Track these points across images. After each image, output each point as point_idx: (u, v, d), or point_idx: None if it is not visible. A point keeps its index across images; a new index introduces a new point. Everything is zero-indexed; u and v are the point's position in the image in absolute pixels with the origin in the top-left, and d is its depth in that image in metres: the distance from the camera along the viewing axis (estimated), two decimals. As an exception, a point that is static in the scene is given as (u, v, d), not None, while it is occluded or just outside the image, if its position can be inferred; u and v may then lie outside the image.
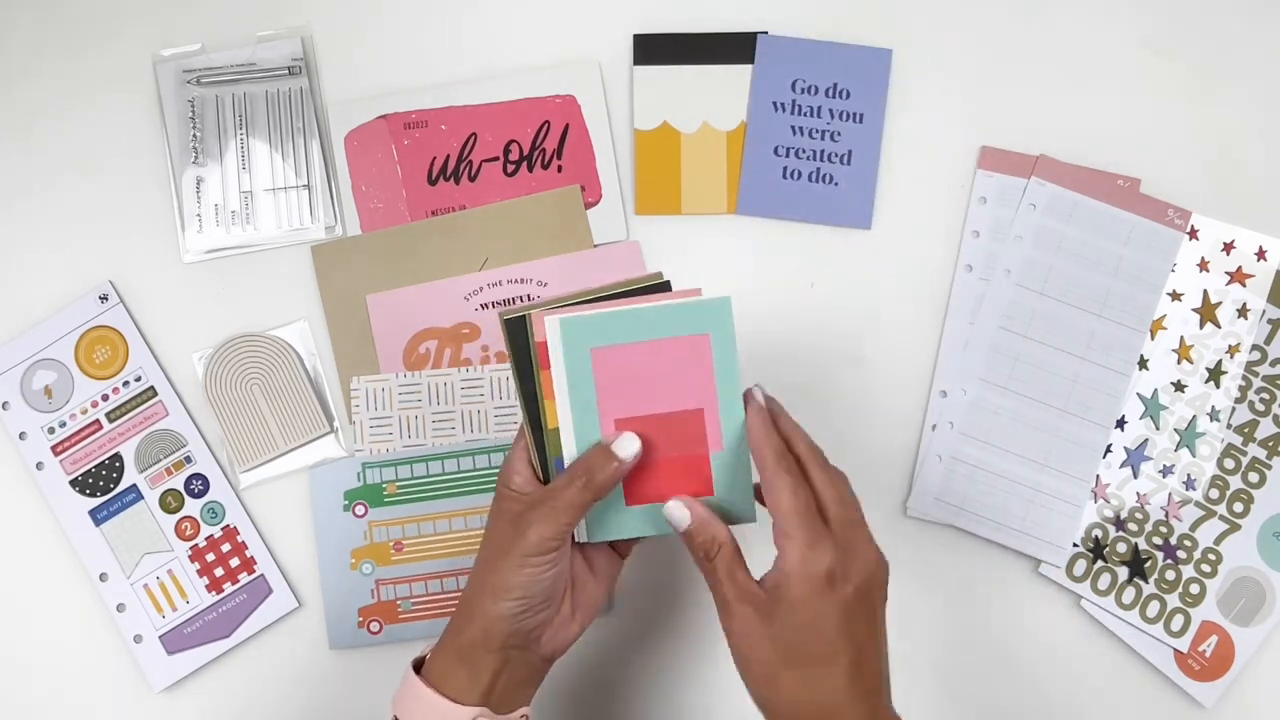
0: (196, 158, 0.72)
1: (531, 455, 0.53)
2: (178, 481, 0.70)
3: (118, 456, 0.70)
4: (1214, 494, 0.70)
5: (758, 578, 0.50)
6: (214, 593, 0.69)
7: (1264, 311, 0.72)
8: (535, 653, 0.54)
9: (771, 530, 0.49)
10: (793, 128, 0.73)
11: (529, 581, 0.50)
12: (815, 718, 0.48)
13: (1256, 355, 0.71)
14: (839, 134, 0.73)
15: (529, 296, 0.72)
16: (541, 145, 0.73)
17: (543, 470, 0.53)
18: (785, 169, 0.73)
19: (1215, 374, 0.71)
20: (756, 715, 0.51)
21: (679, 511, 0.51)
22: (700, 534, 0.50)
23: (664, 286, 0.52)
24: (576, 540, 0.54)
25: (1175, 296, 0.72)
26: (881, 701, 0.49)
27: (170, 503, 0.70)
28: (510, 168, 0.73)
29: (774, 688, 0.48)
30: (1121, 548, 0.70)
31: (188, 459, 0.70)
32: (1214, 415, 0.71)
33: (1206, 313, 0.72)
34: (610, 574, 0.57)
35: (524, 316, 0.52)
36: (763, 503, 0.51)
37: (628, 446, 0.51)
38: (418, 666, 0.53)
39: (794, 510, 0.48)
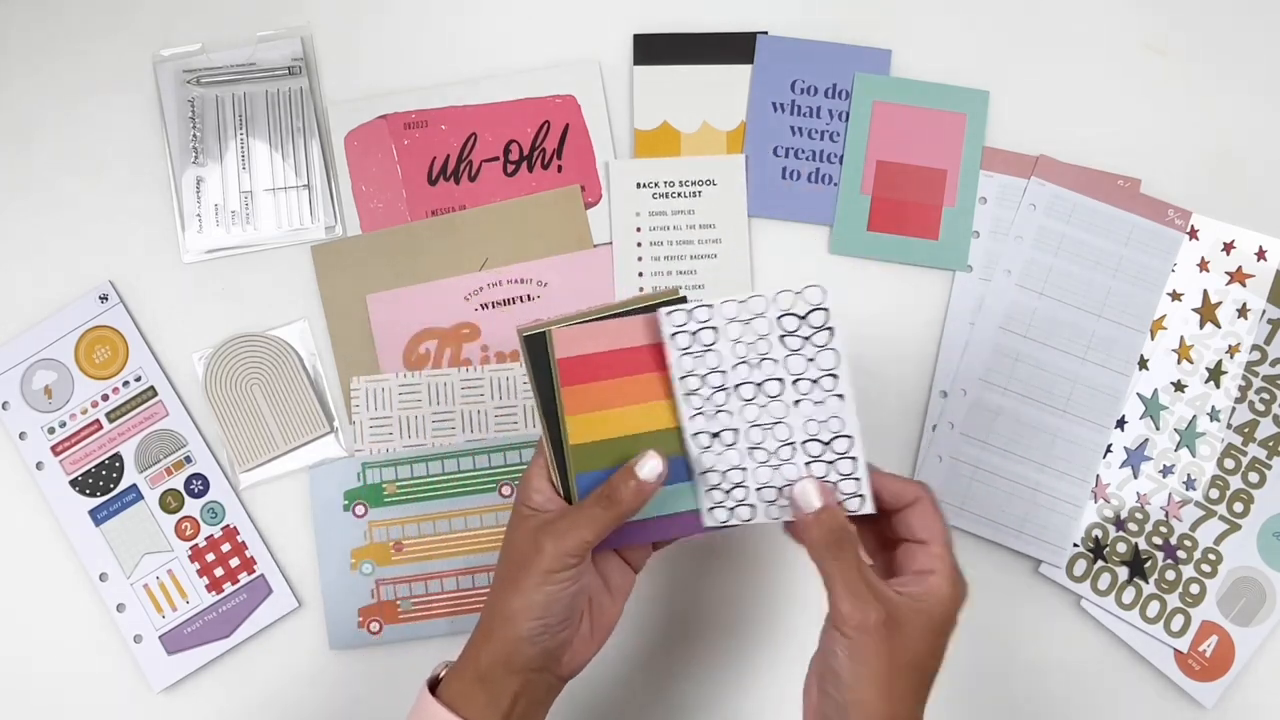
0: (196, 158, 0.72)
1: (551, 473, 0.52)
2: (178, 481, 0.70)
3: (118, 456, 0.70)
4: (1214, 494, 0.70)
5: None
6: (214, 593, 0.69)
7: (1264, 311, 0.72)
8: (554, 672, 0.52)
9: (902, 553, 0.51)
10: (792, 128, 0.73)
11: (550, 600, 0.50)
12: None
13: (1256, 355, 0.71)
14: (839, 134, 0.73)
15: (529, 296, 0.72)
16: (541, 145, 0.73)
17: (563, 487, 0.52)
18: (784, 169, 0.73)
19: (1215, 374, 0.71)
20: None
21: (811, 493, 0.50)
22: (832, 520, 0.49)
23: (680, 301, 0.52)
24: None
25: (1175, 296, 0.72)
26: None
27: (170, 503, 0.70)
28: (510, 168, 0.73)
29: (882, 708, 0.47)
30: (1121, 548, 0.70)
31: (188, 459, 0.70)
32: (1214, 415, 0.71)
33: (1206, 313, 0.72)
34: (625, 590, 0.56)
35: (544, 333, 0.51)
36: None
37: (650, 467, 0.50)
38: (433, 686, 0.52)
39: (945, 543, 0.49)
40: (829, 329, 0.51)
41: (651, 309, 0.52)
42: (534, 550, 0.50)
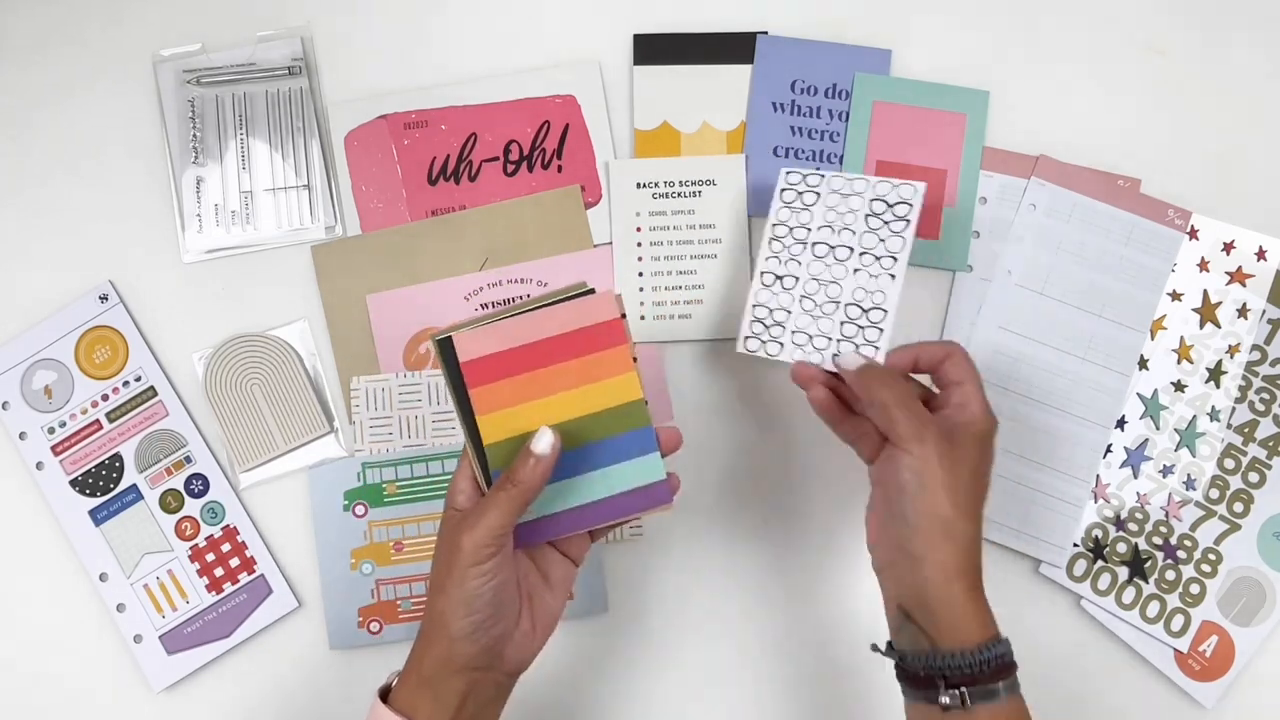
0: (196, 158, 0.72)
1: (475, 472, 0.54)
2: (178, 481, 0.70)
3: (118, 456, 0.70)
4: (1214, 494, 0.70)
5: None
6: (214, 593, 0.69)
7: (1264, 311, 0.72)
8: (500, 670, 0.53)
9: (941, 397, 0.58)
10: (792, 128, 0.73)
11: (473, 595, 0.50)
12: (964, 554, 0.53)
13: (1256, 355, 0.71)
14: (839, 134, 0.73)
15: (529, 296, 0.72)
16: (541, 145, 0.73)
17: (486, 486, 0.54)
18: (785, 169, 0.73)
19: (1215, 374, 0.71)
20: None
21: (852, 356, 0.60)
22: (878, 366, 0.59)
23: (587, 294, 0.54)
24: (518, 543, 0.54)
25: (1175, 296, 0.72)
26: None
27: (170, 503, 0.70)
28: (510, 168, 0.73)
29: (950, 513, 0.53)
30: (1121, 548, 0.70)
31: (188, 459, 0.70)
32: (1214, 415, 0.71)
33: (1206, 313, 0.72)
34: (566, 583, 0.56)
35: (449, 337, 0.53)
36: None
37: (543, 441, 0.51)
38: (384, 695, 0.53)
39: (978, 384, 0.57)
40: (907, 220, 0.62)
41: (556, 304, 0.53)
42: (453, 548, 0.51)
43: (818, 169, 0.72)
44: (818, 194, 0.64)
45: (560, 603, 0.56)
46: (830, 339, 0.62)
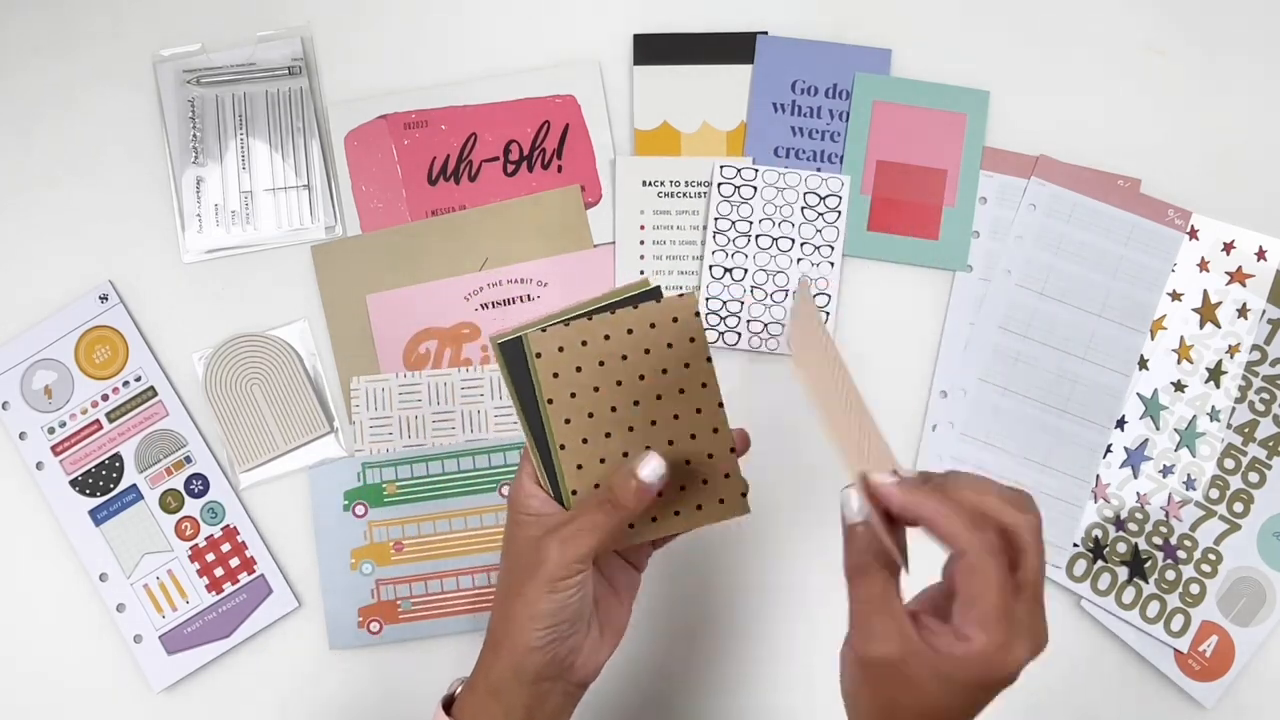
0: (196, 158, 0.72)
1: (540, 477, 0.52)
2: (178, 481, 0.70)
3: (118, 456, 0.70)
4: (1214, 494, 0.70)
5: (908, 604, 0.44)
6: (214, 593, 0.69)
7: (1264, 311, 0.72)
8: (568, 680, 0.51)
9: (944, 572, 0.44)
10: (792, 128, 0.73)
11: (557, 608, 0.48)
12: None
13: (1256, 355, 0.71)
14: (839, 134, 0.73)
15: (529, 296, 0.72)
16: (541, 145, 0.73)
17: (554, 490, 0.52)
18: (785, 169, 0.73)
19: (1215, 374, 0.71)
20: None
21: (852, 500, 0.44)
22: (860, 541, 0.44)
23: (654, 293, 0.51)
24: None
25: (1175, 296, 0.72)
26: None
27: (170, 503, 0.70)
28: (510, 168, 0.73)
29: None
30: (1121, 548, 0.70)
31: (188, 459, 0.70)
32: (1214, 415, 0.71)
33: (1206, 313, 0.72)
34: (631, 590, 0.55)
35: (520, 337, 0.51)
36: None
37: (651, 468, 0.49)
38: (448, 705, 0.51)
39: (998, 609, 0.41)
40: (839, 211, 0.69)
41: (625, 303, 0.51)
42: (538, 558, 0.49)
43: (818, 169, 0.72)
44: (754, 187, 0.69)
45: (626, 609, 0.54)
46: (784, 325, 0.69)
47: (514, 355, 0.51)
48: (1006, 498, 0.43)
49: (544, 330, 0.50)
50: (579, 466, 0.51)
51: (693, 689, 0.70)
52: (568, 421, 0.51)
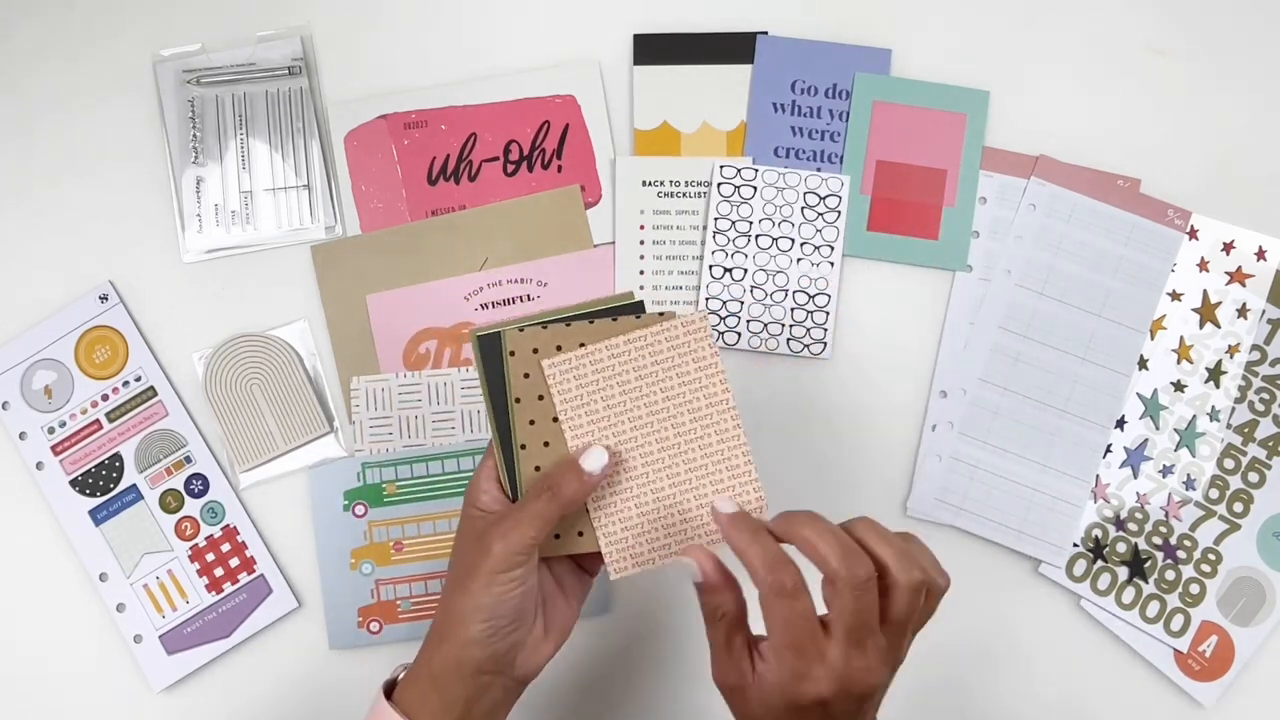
0: (196, 158, 0.72)
1: (500, 474, 0.52)
2: (178, 481, 0.70)
3: (118, 456, 0.70)
4: (1214, 494, 0.70)
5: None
6: (214, 593, 0.69)
7: (1264, 311, 0.72)
8: (509, 676, 0.52)
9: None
10: (792, 128, 0.73)
11: (497, 601, 0.49)
12: None
13: (1256, 355, 0.71)
14: (839, 134, 0.73)
15: (529, 296, 0.72)
16: (541, 145, 0.73)
17: (512, 488, 0.52)
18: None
19: (1215, 374, 0.71)
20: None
21: (695, 565, 0.49)
22: (712, 596, 0.48)
23: (637, 307, 0.52)
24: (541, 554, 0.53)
25: (1175, 296, 0.72)
26: None
27: (170, 503, 0.70)
28: (510, 168, 0.73)
29: None
30: (1121, 548, 0.70)
31: (188, 459, 0.70)
32: (1214, 415, 0.71)
33: (1206, 313, 0.72)
34: (580, 593, 0.55)
35: (498, 333, 0.51)
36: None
37: (595, 458, 0.50)
38: (389, 690, 0.52)
39: (784, 643, 0.45)
40: (839, 211, 0.69)
41: (605, 313, 0.52)
42: (481, 552, 0.50)
43: (818, 169, 0.72)
44: (754, 187, 0.69)
45: (574, 610, 0.55)
46: (784, 325, 0.68)
47: (490, 350, 0.52)
48: (884, 535, 0.48)
49: (521, 330, 0.51)
50: (536, 468, 0.52)
51: (685, 684, 0.70)
52: (532, 423, 0.52)
